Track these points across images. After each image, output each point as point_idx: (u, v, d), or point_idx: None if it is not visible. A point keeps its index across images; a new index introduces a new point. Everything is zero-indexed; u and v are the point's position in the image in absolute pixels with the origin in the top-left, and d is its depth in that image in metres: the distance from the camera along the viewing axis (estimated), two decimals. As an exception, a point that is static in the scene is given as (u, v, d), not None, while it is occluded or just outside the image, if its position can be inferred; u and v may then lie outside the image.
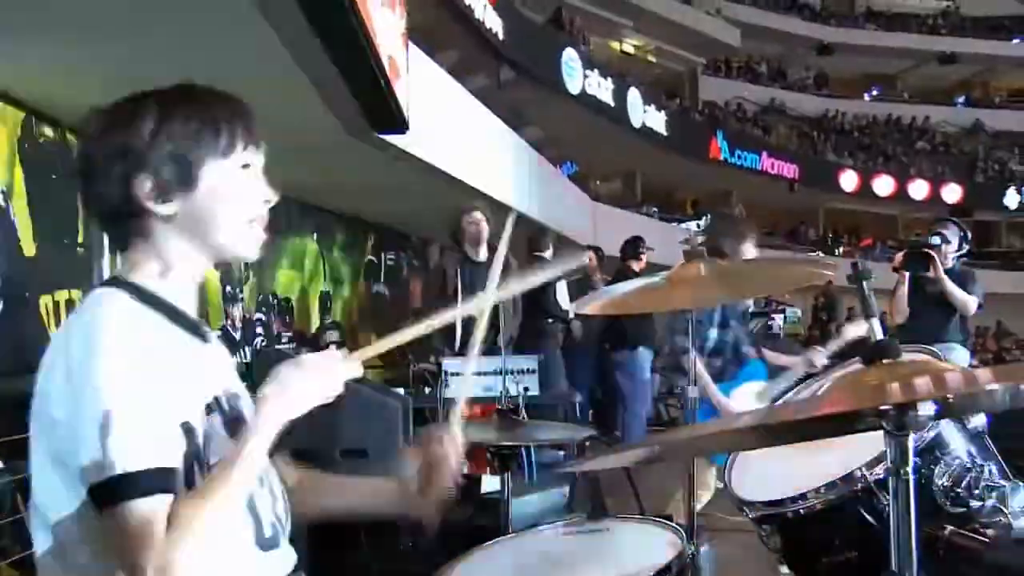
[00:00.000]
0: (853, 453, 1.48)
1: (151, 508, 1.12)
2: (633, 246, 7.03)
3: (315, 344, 8.91)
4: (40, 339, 5.04)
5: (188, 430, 1.23)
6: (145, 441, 1.15)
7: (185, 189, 1.30)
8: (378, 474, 3.10)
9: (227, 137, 1.32)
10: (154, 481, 1.14)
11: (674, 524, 1.74)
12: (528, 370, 5.16)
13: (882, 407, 0.78)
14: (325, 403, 1.28)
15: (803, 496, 1.47)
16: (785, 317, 9.64)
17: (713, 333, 4.21)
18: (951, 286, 4.86)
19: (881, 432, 1.45)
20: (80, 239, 5.58)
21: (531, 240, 6.71)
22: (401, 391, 5.20)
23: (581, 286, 7.37)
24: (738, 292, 1.99)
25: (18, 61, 4.47)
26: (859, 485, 1.42)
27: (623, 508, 2.89)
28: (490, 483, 2.60)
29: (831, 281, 15.85)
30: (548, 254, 6.59)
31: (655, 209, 20.95)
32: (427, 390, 7.62)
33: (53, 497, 1.20)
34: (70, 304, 5.39)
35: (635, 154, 19.58)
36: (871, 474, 1.41)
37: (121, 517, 1.12)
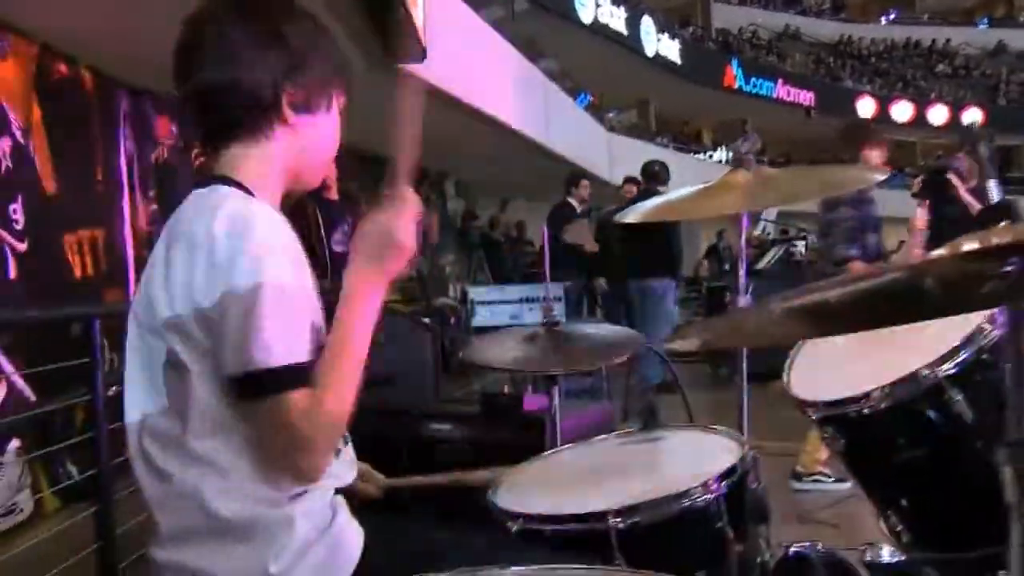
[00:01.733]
0: (916, 351, 1.45)
1: (300, 398, 1.16)
2: (654, 169, 6.95)
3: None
4: (67, 277, 5.05)
5: (317, 328, 1.27)
6: (301, 333, 1.19)
7: (315, 110, 1.36)
8: (407, 401, 3.11)
9: (347, 79, 1.41)
10: (298, 372, 1.17)
11: (729, 430, 1.73)
12: (555, 298, 5.17)
13: (1006, 268, 0.74)
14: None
15: (867, 395, 1.44)
16: (807, 244, 9.54)
17: (873, 239, 4.20)
18: (974, 203, 4.77)
19: (945, 328, 1.43)
20: (99, 177, 5.55)
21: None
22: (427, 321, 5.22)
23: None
24: (789, 196, 1.94)
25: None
26: (928, 383, 1.39)
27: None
28: (531, 402, 2.59)
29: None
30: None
31: (669, 140, 20.73)
32: (452, 320, 7.65)
33: (199, 394, 1.20)
34: (93, 242, 5.39)
35: (649, 84, 19.31)
36: (940, 371, 1.39)
37: (271, 408, 1.16)
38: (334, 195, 5.10)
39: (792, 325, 1.03)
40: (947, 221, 4.75)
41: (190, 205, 1.28)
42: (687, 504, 1.44)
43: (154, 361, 1.24)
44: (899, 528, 1.53)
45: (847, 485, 3.79)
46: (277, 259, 1.20)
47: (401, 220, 1.31)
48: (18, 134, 4.75)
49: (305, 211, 4.99)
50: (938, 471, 1.45)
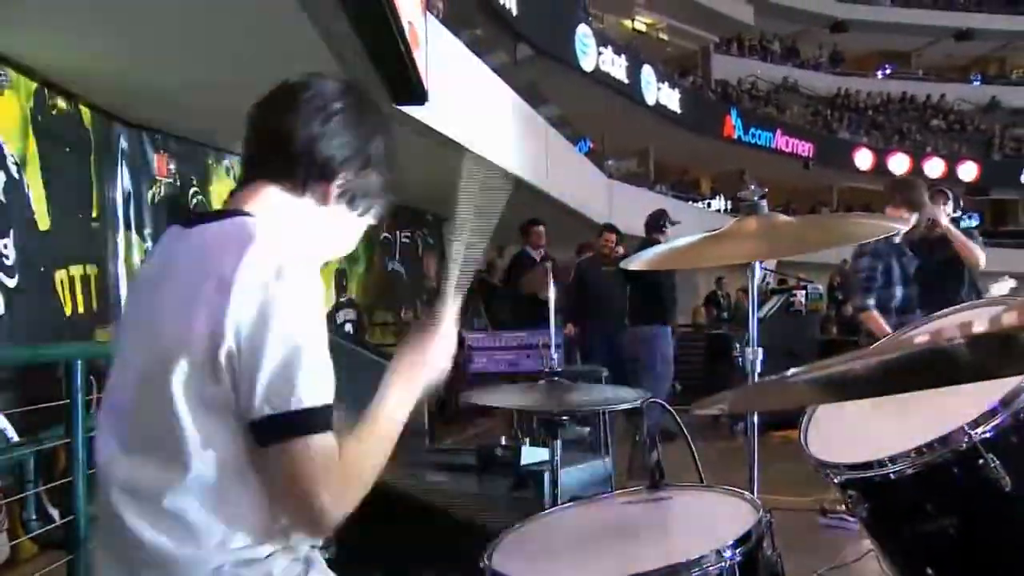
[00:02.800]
0: (947, 411, 1.36)
1: (330, 442, 1.16)
2: (657, 220, 6.90)
3: (331, 322, 8.82)
4: (56, 313, 4.96)
5: None
6: (326, 377, 1.18)
7: (353, 208, 1.41)
8: (400, 447, 3.02)
9: (383, 213, 1.48)
10: (329, 417, 1.17)
11: (742, 491, 1.63)
12: (555, 345, 5.07)
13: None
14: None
15: (894, 458, 1.35)
16: (807, 294, 9.46)
17: (899, 291, 4.16)
18: (959, 235, 4.75)
19: (980, 388, 1.34)
20: (94, 213, 5.48)
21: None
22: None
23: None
24: (801, 245, 1.86)
25: (32, 31, 4.37)
26: (962, 446, 1.30)
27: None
28: (529, 455, 2.48)
29: (847, 261, 15.77)
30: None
31: (668, 188, 20.79)
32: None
33: (203, 438, 1.16)
34: (85, 279, 5.30)
35: (649, 132, 19.40)
36: (975, 433, 1.29)
37: (300, 450, 1.14)
38: None
39: (817, 393, 0.97)
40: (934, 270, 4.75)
41: (224, 238, 1.24)
42: (699, 574, 1.33)
43: (151, 402, 1.18)
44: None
45: None
46: (317, 301, 1.20)
47: (439, 345, 1.40)
48: (12, 168, 4.70)
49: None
50: (970, 541, 1.35)
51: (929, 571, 1.43)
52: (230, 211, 1.30)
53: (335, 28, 4.58)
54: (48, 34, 4.39)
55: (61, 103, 5.23)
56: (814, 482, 4.32)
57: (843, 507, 4.01)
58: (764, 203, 1.89)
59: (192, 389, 1.15)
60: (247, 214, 1.28)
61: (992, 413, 1.30)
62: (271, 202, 1.33)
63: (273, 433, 1.14)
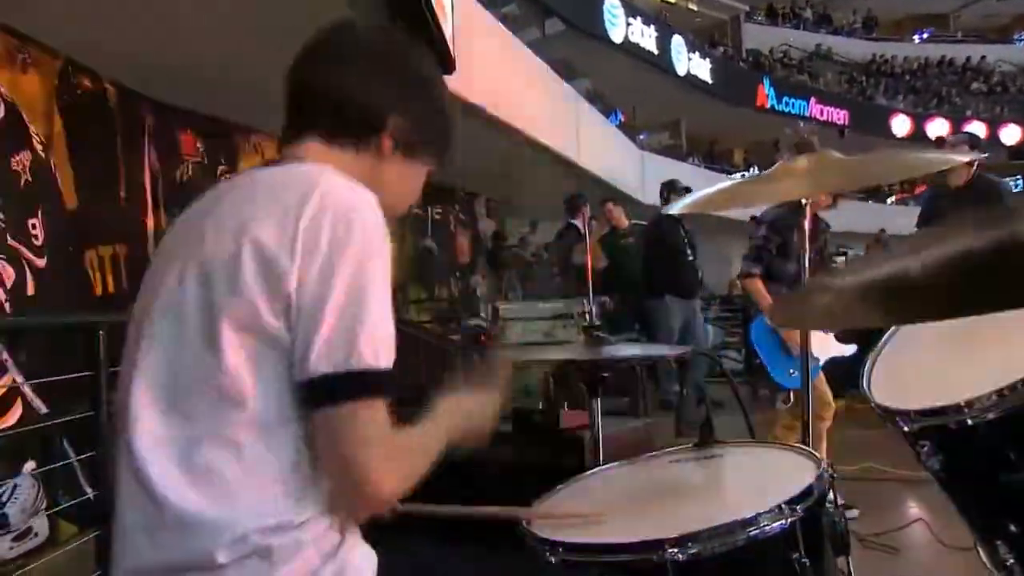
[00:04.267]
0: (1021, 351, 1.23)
1: (385, 408, 1.07)
2: (663, 192, 6.82)
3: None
4: (87, 294, 4.93)
5: None
6: (389, 341, 1.09)
7: (410, 157, 1.32)
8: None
9: (444, 158, 1.39)
10: (388, 383, 1.08)
11: (800, 446, 1.51)
12: (593, 309, 4.96)
13: None
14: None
15: (972, 402, 1.22)
16: (847, 260, 9.25)
17: (792, 267, 4.03)
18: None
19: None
20: (123, 192, 5.44)
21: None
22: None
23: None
24: (856, 180, 1.73)
25: (56, 9, 4.31)
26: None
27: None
28: (568, 418, 2.38)
29: (883, 230, 15.43)
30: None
31: (701, 159, 20.52)
32: (483, 339, 7.48)
33: (249, 385, 1.06)
34: (115, 259, 5.27)
35: (680, 102, 19.12)
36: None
37: (357, 412, 1.05)
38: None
39: (869, 308, 0.83)
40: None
41: (286, 178, 1.15)
42: (756, 532, 1.22)
43: (192, 343, 1.09)
44: (1009, 561, 1.29)
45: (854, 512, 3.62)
46: (386, 258, 1.11)
47: (488, 402, 1.38)
48: (39, 148, 4.65)
49: None
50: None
51: (1012, 527, 1.30)
52: (283, 161, 1.21)
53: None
54: (72, 11, 4.33)
55: (86, 81, 5.17)
56: (860, 449, 4.20)
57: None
58: (815, 140, 1.76)
59: (241, 328, 1.05)
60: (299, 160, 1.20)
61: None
62: (321, 155, 1.23)
63: (329, 393, 1.04)
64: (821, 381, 3.78)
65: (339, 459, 1.05)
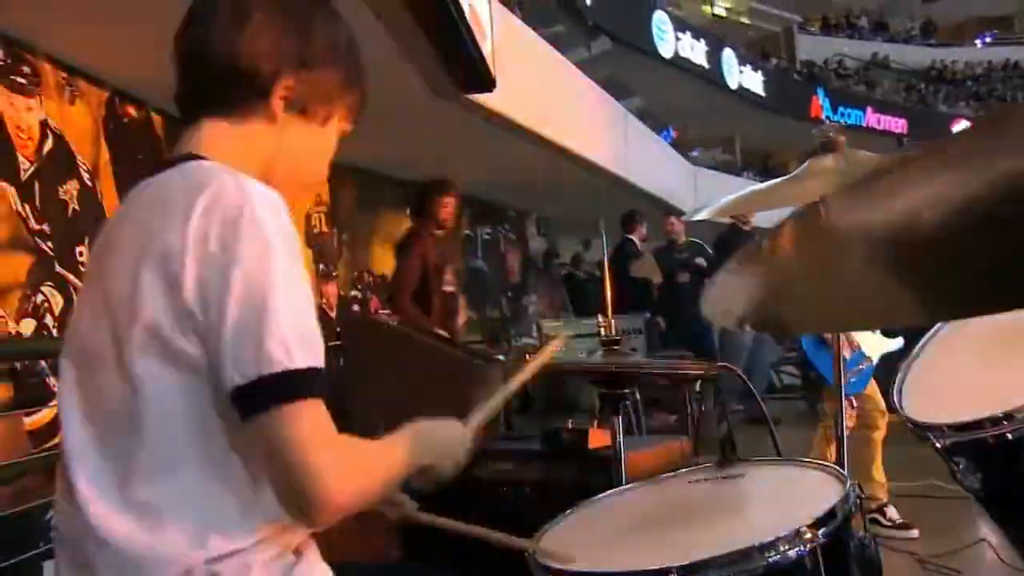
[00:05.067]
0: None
1: (322, 410, 0.98)
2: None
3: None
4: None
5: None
6: (306, 338, 0.99)
7: (309, 116, 1.20)
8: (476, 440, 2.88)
9: (360, 107, 1.26)
10: (316, 382, 0.99)
11: (826, 463, 1.41)
12: (634, 330, 4.87)
13: None
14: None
15: (1011, 415, 1.11)
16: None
17: None
18: None
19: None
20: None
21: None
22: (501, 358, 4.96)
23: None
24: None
25: (102, 40, 4.39)
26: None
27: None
28: (597, 437, 2.29)
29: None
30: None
31: (755, 173, 20.22)
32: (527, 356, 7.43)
33: (174, 415, 1.00)
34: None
35: (733, 117, 18.89)
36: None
37: (282, 416, 0.95)
38: (445, 234, 5.07)
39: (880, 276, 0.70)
40: None
41: (168, 189, 1.06)
42: (774, 558, 1.12)
43: (112, 378, 1.03)
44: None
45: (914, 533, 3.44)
46: (288, 250, 1.00)
47: (461, 436, 1.28)
48: (85, 176, 4.75)
49: (425, 245, 4.93)
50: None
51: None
52: (177, 157, 1.12)
53: (395, 17, 4.48)
54: (118, 42, 4.41)
55: (132, 111, 5.27)
56: (922, 465, 4.01)
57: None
58: (842, 138, 1.67)
59: (151, 354, 1.00)
60: (198, 156, 1.10)
61: None
62: (217, 137, 1.14)
63: (250, 403, 0.96)
64: (873, 388, 3.61)
65: (278, 468, 0.96)
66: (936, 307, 0.82)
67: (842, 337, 3.34)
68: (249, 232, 0.97)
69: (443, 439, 1.24)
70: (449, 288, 4.91)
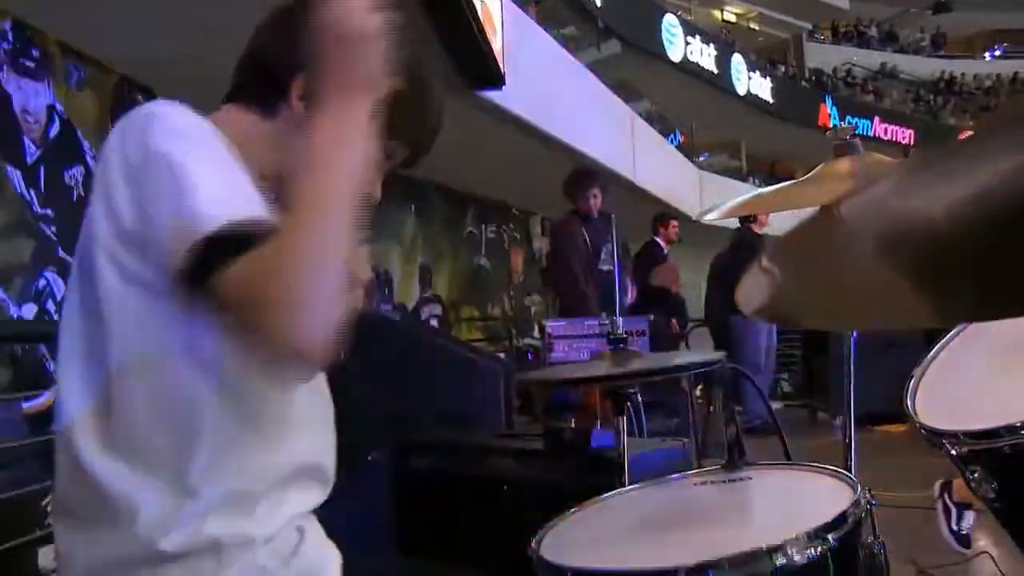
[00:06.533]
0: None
1: (253, 257, 0.90)
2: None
3: (416, 318, 8.77)
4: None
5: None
6: (231, 192, 0.95)
7: None
8: (476, 438, 2.87)
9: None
10: (241, 234, 0.91)
11: (836, 468, 1.39)
12: (638, 332, 4.83)
13: None
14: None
15: (1030, 424, 1.09)
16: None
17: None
18: None
19: None
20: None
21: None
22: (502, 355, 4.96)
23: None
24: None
25: (112, 25, 4.38)
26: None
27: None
28: (600, 439, 2.27)
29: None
30: None
31: (762, 180, 20.20)
32: (531, 358, 7.38)
33: (144, 330, 0.98)
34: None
35: (740, 122, 18.88)
36: None
37: (229, 278, 0.90)
38: (595, 212, 5.17)
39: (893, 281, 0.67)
40: None
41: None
42: (783, 562, 1.10)
43: (89, 311, 1.01)
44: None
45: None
46: (196, 128, 1.00)
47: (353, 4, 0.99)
48: (91, 162, 4.73)
49: (570, 228, 5.09)
50: None
51: (1074, 565, 1.16)
52: None
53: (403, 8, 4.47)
54: (128, 29, 4.39)
55: (140, 98, 5.26)
56: (920, 478, 3.98)
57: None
58: (858, 142, 1.64)
59: (119, 280, 0.98)
60: None
61: None
62: (233, 122, 1.12)
63: (199, 270, 0.92)
64: None
65: (245, 326, 0.92)
66: (951, 310, 0.81)
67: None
68: (155, 127, 0.97)
69: (338, 59, 0.99)
70: (604, 267, 5.04)
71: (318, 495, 1.12)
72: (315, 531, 1.10)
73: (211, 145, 0.99)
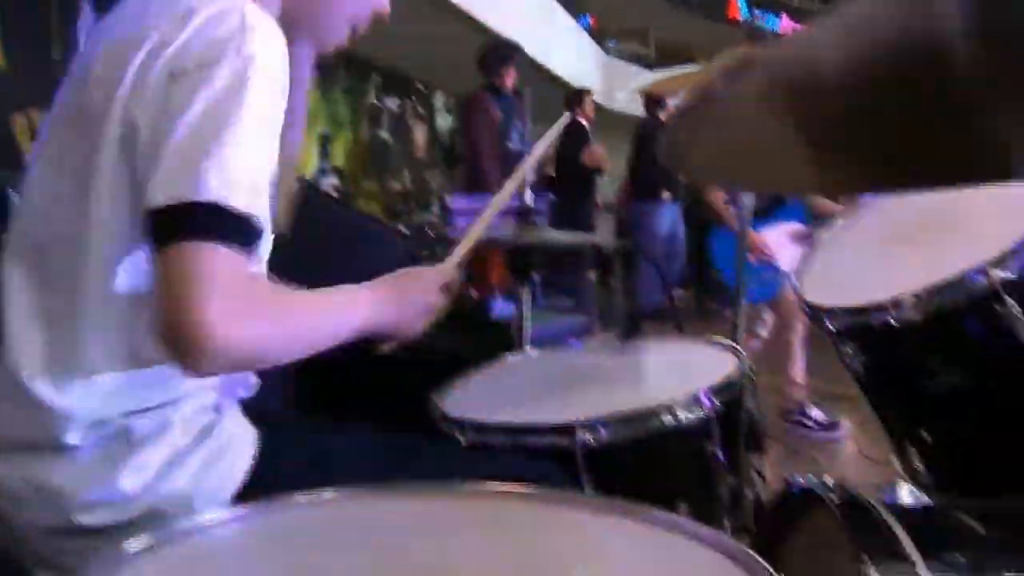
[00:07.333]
0: (959, 252, 1.18)
1: (237, 258, 0.87)
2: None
3: (314, 188, 8.58)
4: (13, 159, 4.71)
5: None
6: (252, 183, 0.89)
7: None
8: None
9: None
10: (244, 230, 0.88)
11: (723, 339, 1.48)
12: (536, 212, 4.88)
13: None
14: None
15: (897, 302, 1.18)
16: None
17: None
18: None
19: (1002, 220, 1.17)
20: (54, 54, 5.15)
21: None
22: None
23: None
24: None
25: None
26: (976, 289, 1.13)
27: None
28: (500, 308, 2.33)
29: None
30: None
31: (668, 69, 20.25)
32: (430, 233, 7.35)
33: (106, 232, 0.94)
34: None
35: (650, 11, 18.72)
36: (995, 274, 1.12)
37: (196, 250, 0.85)
38: (508, 91, 5.06)
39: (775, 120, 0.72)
40: None
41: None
42: (671, 421, 1.19)
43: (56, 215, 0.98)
44: (918, 467, 1.28)
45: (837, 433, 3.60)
46: (272, 87, 0.92)
47: (436, 286, 1.24)
48: None
49: (484, 104, 4.95)
50: (978, 400, 1.20)
51: (926, 436, 1.28)
52: None
53: None
54: None
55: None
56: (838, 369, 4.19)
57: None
58: (767, 30, 1.68)
59: (105, 171, 0.93)
60: None
61: (1016, 251, 1.12)
62: None
63: (164, 229, 0.86)
64: (788, 291, 3.66)
65: (170, 301, 0.85)
66: (836, 180, 0.86)
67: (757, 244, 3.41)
68: (231, 60, 0.89)
69: (407, 289, 1.18)
70: (514, 146, 4.97)
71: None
72: (234, 411, 1.08)
73: (273, 116, 0.93)
